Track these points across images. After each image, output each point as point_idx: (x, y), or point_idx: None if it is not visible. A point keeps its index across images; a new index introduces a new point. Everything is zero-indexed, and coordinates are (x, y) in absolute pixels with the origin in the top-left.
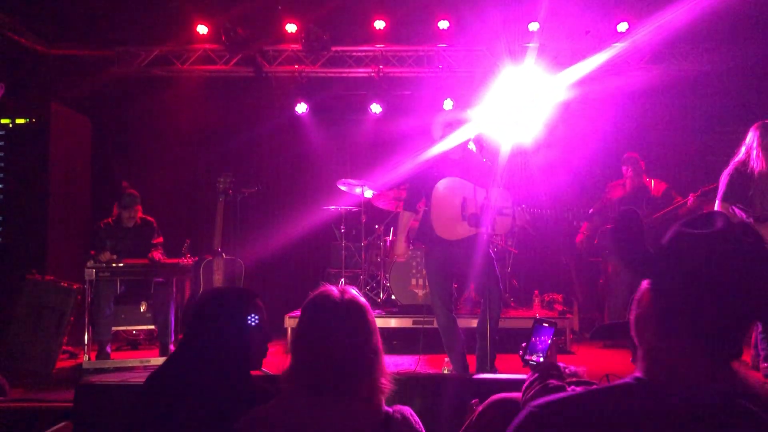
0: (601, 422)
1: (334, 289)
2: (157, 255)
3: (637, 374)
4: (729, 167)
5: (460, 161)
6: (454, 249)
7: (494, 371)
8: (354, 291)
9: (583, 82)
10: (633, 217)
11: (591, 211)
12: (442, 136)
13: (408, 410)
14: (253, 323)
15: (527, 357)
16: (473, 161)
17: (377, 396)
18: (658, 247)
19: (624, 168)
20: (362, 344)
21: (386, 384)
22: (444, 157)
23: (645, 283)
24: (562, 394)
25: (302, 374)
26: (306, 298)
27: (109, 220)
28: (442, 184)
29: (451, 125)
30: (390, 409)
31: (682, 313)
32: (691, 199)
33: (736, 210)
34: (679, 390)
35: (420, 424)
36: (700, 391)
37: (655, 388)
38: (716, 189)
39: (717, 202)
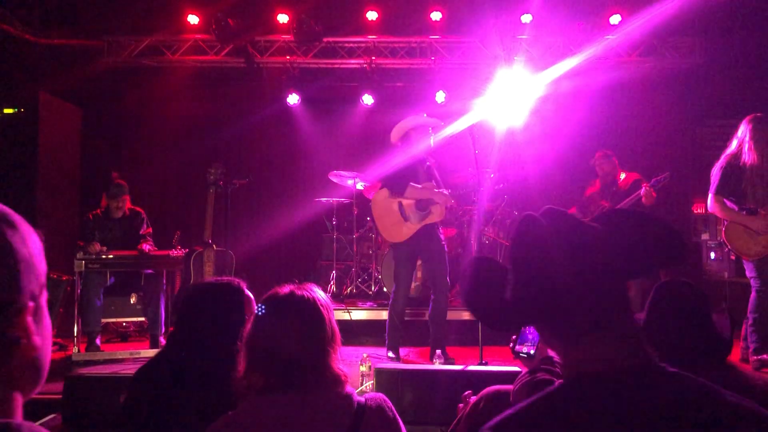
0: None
1: (282, 288)
2: (146, 246)
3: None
4: (721, 160)
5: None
6: (405, 247)
7: (442, 358)
8: (313, 289)
9: (573, 75)
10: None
11: (574, 208)
12: (407, 141)
13: (382, 397)
14: (240, 314)
15: (517, 348)
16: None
17: (338, 386)
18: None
19: (596, 168)
20: (307, 337)
21: (344, 373)
22: (418, 160)
23: None
24: (508, 412)
25: (251, 375)
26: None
27: (98, 211)
28: (379, 196)
29: (415, 129)
30: (362, 399)
31: (566, 317)
32: (644, 189)
33: (728, 203)
34: (599, 378)
35: (394, 411)
36: (618, 373)
37: (574, 386)
38: (666, 178)
39: (710, 195)
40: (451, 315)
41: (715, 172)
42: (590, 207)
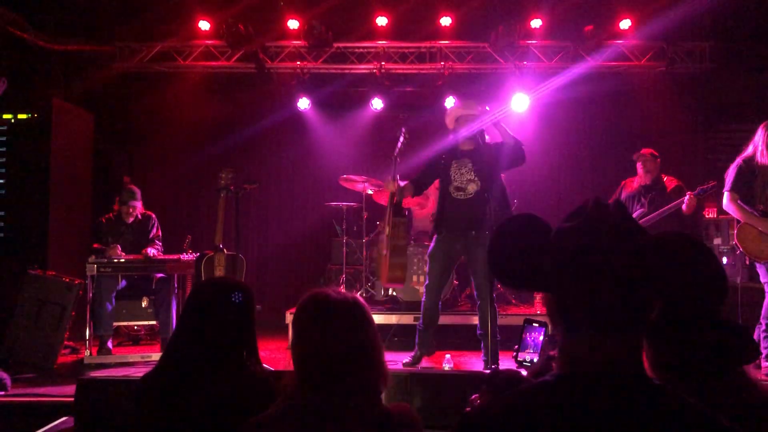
0: (528, 423)
1: (329, 290)
2: (151, 251)
3: (555, 371)
4: (737, 161)
5: (471, 152)
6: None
7: (451, 362)
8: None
9: (582, 79)
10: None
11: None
12: (455, 128)
13: (407, 407)
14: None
15: (520, 357)
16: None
17: (378, 392)
18: (537, 249)
19: (637, 164)
20: (362, 340)
21: (386, 380)
22: (454, 147)
23: None
24: (491, 400)
25: (305, 373)
26: (305, 294)
27: (110, 215)
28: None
29: (464, 117)
30: (389, 407)
31: (570, 307)
32: (688, 197)
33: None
34: (588, 381)
35: (419, 420)
36: (607, 379)
37: (568, 382)
38: (714, 187)
39: (725, 193)
40: (458, 319)
41: (731, 171)
42: (630, 206)
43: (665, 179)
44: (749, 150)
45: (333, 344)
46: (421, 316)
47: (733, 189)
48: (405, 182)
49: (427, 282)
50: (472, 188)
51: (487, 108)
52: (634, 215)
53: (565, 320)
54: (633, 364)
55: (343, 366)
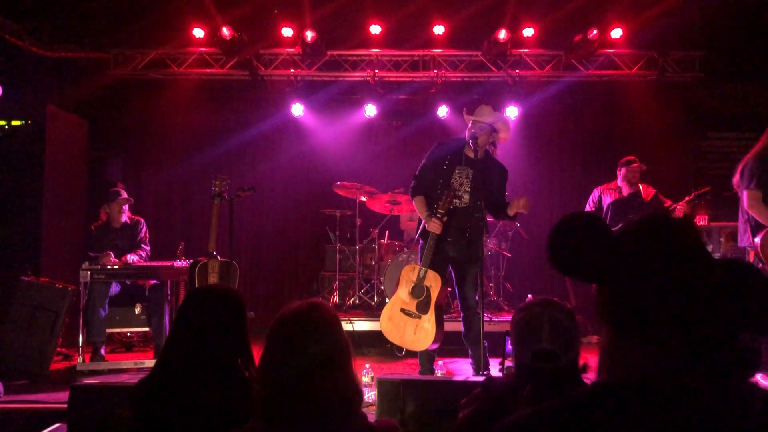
0: None
1: (289, 308)
2: (132, 257)
3: (600, 379)
4: (751, 154)
5: (475, 161)
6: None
7: (444, 369)
8: (319, 303)
9: (574, 88)
10: (576, 223)
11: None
12: (473, 133)
13: (393, 423)
14: (239, 320)
15: (507, 364)
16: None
17: (359, 409)
18: (600, 250)
19: (624, 171)
20: (326, 359)
21: (361, 395)
22: (459, 152)
23: (594, 286)
24: (526, 411)
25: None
26: (300, 300)
27: (99, 222)
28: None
29: (478, 123)
30: (375, 423)
31: (633, 306)
32: (682, 203)
33: None
34: (662, 387)
35: None
36: (669, 388)
37: (622, 390)
38: (708, 192)
39: (746, 191)
40: (450, 326)
41: (752, 165)
42: (616, 215)
43: (641, 187)
44: (762, 148)
45: (288, 360)
46: None
47: (759, 186)
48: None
49: None
50: (466, 198)
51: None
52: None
53: (620, 321)
54: (704, 368)
55: (303, 381)
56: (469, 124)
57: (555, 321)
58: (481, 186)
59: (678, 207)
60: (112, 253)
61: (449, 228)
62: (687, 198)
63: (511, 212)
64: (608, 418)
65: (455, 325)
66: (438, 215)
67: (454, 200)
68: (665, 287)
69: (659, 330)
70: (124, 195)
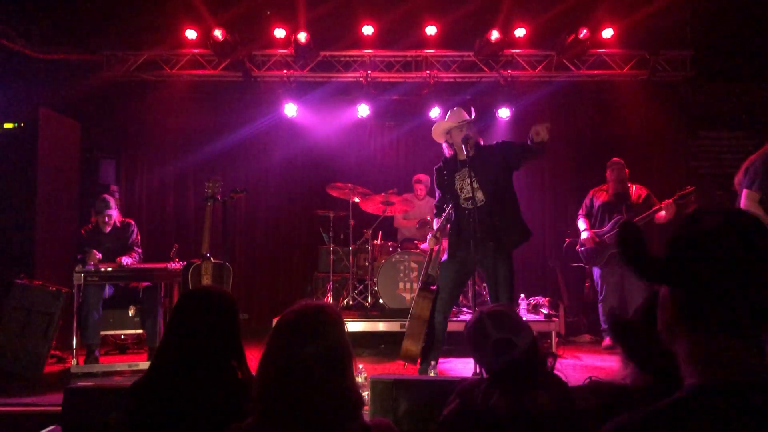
0: None
1: (293, 307)
2: (125, 260)
3: (690, 382)
4: (758, 154)
5: (470, 160)
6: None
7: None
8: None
9: (565, 88)
10: (632, 227)
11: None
12: (448, 141)
13: (388, 423)
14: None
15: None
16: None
17: (360, 410)
18: (669, 250)
19: (608, 172)
20: (327, 359)
21: (361, 396)
22: (453, 160)
23: (664, 289)
24: (624, 417)
25: (266, 398)
26: (293, 302)
27: (89, 226)
28: None
29: (456, 127)
30: (371, 423)
31: (717, 310)
32: (665, 204)
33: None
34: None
35: None
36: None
37: (730, 389)
38: (692, 193)
39: (746, 190)
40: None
41: (756, 165)
42: (603, 216)
43: (633, 187)
44: None
45: (288, 358)
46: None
47: (759, 188)
48: (437, 222)
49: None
50: (479, 196)
51: (473, 111)
52: (612, 223)
53: (716, 321)
54: None
55: (303, 382)
56: (450, 135)
57: (493, 315)
58: (484, 172)
59: (662, 207)
60: (95, 250)
61: (474, 232)
62: (669, 200)
63: (532, 142)
64: (722, 417)
65: (453, 326)
66: (436, 236)
67: (468, 203)
68: (760, 283)
69: (755, 327)
70: (111, 208)
